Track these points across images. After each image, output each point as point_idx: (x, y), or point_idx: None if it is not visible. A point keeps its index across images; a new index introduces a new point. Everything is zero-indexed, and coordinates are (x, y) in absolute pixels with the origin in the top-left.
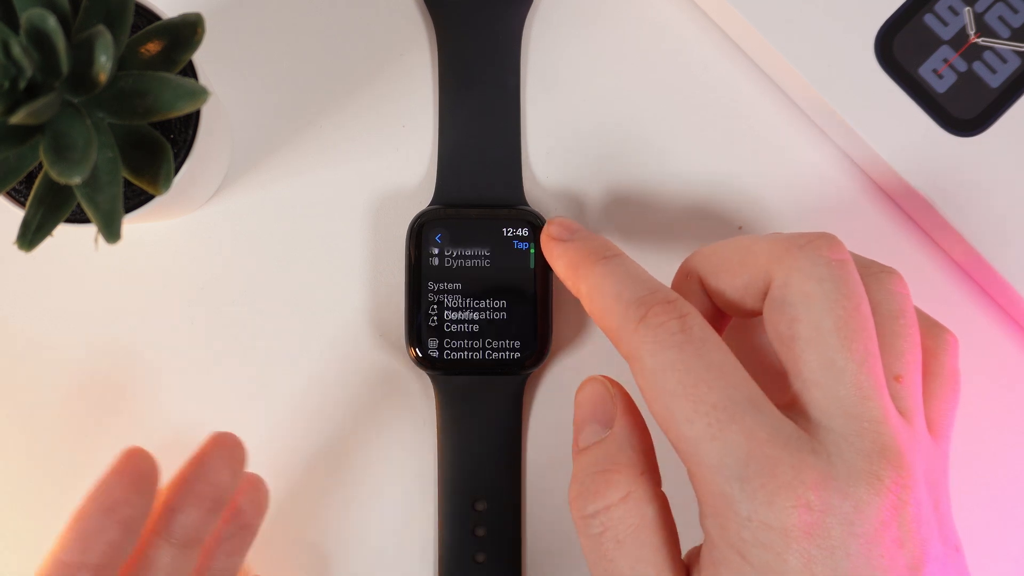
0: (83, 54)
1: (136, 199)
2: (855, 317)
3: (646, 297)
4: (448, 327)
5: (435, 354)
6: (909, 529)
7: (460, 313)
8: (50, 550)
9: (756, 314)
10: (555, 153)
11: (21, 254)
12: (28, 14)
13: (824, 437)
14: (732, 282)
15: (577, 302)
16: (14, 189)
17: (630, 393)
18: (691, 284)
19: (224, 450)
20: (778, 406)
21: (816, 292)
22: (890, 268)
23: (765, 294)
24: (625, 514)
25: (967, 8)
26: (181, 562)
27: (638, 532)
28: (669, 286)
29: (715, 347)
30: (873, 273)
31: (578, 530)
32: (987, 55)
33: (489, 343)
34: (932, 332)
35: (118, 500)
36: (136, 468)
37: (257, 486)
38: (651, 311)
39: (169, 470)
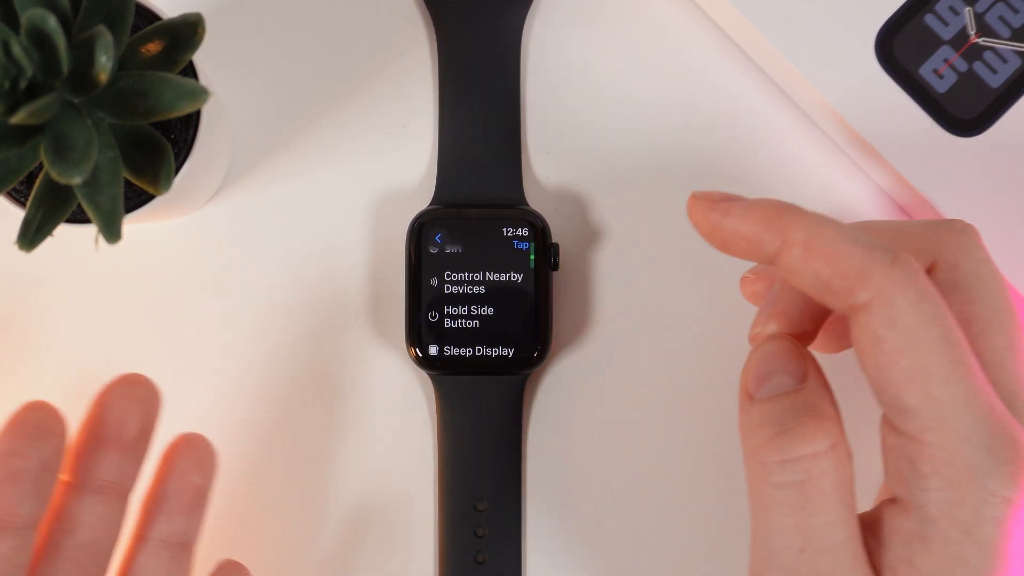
0: (83, 54)
1: (137, 199)
2: (1014, 300)
3: (884, 242)
4: (448, 327)
5: (435, 354)
6: None
7: (460, 313)
8: None
9: None
10: (555, 153)
11: (21, 254)
12: (29, 14)
13: (1019, 418)
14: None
15: (577, 302)
16: (14, 189)
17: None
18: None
19: (129, 389)
20: None
21: (988, 273)
22: None
23: (927, 265)
24: (832, 466)
25: (968, 8)
26: (102, 512)
27: (840, 488)
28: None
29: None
30: None
31: (763, 477)
32: (987, 55)
33: (489, 343)
34: None
35: (6, 453)
36: (28, 420)
37: (196, 444)
38: (901, 256)
39: None
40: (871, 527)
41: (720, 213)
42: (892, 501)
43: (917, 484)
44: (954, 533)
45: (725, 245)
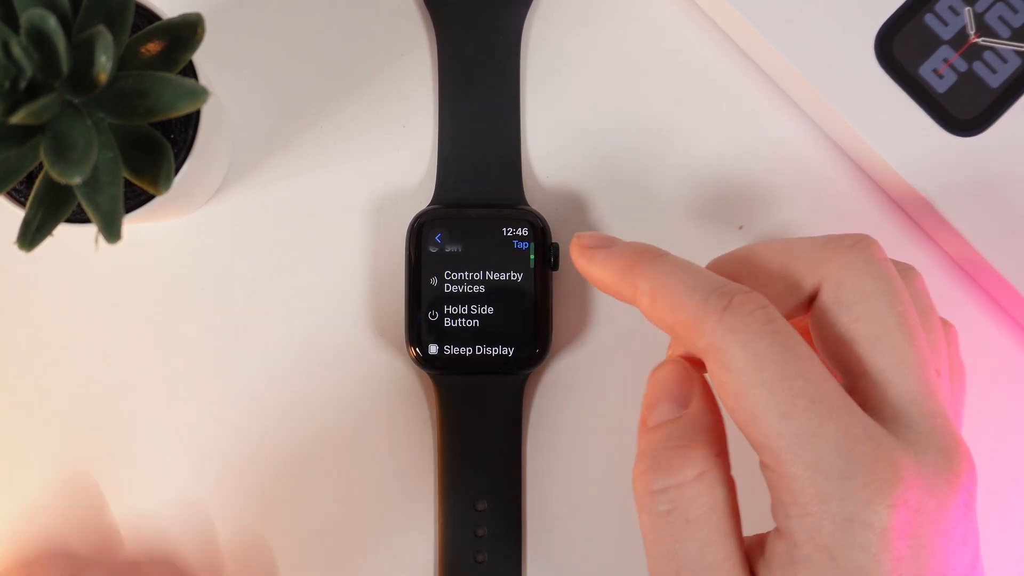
0: (83, 54)
1: (136, 199)
2: (912, 314)
3: (723, 288)
4: (448, 327)
5: (435, 354)
6: (970, 526)
7: (460, 313)
8: None
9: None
10: (555, 153)
11: (21, 254)
12: (28, 14)
13: (906, 435)
14: (772, 287)
15: (577, 302)
16: (14, 189)
17: None
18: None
19: None
20: None
21: (875, 290)
22: (910, 265)
23: (807, 299)
24: (699, 493)
25: (967, 8)
26: None
27: (709, 514)
28: None
29: (801, 340)
30: (900, 271)
31: (640, 507)
32: (987, 55)
33: (489, 343)
34: None
35: None
36: None
37: None
38: (734, 300)
39: (165, 468)
40: (760, 549)
41: (586, 260)
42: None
43: (782, 512)
44: (819, 558)
45: (598, 288)
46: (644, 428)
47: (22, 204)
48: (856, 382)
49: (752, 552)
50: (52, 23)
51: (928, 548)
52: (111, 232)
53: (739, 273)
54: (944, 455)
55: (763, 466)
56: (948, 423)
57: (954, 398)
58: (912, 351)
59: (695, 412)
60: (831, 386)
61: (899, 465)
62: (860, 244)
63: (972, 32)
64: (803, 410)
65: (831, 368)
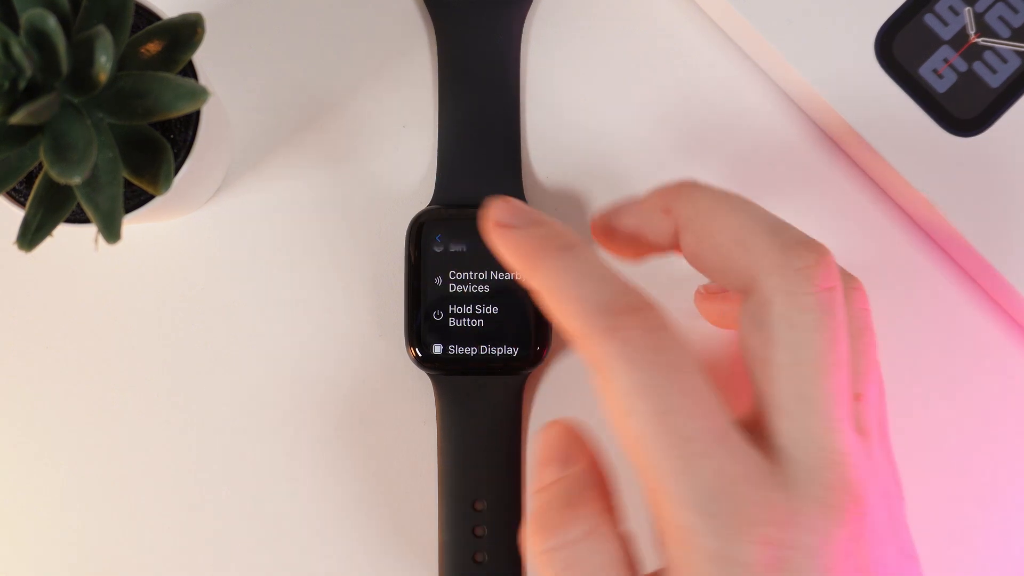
0: (83, 54)
1: (136, 199)
2: (834, 351)
3: (614, 302)
4: (448, 327)
5: (435, 354)
6: (866, 555)
7: (460, 313)
8: None
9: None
10: (555, 153)
11: (21, 254)
12: (28, 14)
13: (789, 468)
14: (712, 260)
15: None
16: (14, 189)
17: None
18: (663, 223)
19: None
20: (740, 418)
21: (799, 322)
22: (855, 281)
23: (742, 290)
24: (590, 551)
25: (967, 8)
26: None
27: (605, 568)
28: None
29: (690, 369)
30: (844, 285)
31: (536, 565)
32: (987, 55)
33: (489, 343)
34: None
35: None
36: None
37: None
38: (621, 320)
39: (165, 469)
40: None
41: (496, 237)
42: None
43: (661, 539)
44: None
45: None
46: (532, 490)
47: (22, 204)
48: (758, 401)
49: None
50: (52, 23)
51: None
52: (111, 232)
53: (694, 228)
54: (828, 490)
55: (644, 488)
56: (845, 459)
57: (875, 406)
58: (820, 389)
59: (579, 472)
60: (713, 422)
61: (769, 505)
62: (806, 269)
63: (972, 32)
64: (675, 447)
65: (748, 372)
